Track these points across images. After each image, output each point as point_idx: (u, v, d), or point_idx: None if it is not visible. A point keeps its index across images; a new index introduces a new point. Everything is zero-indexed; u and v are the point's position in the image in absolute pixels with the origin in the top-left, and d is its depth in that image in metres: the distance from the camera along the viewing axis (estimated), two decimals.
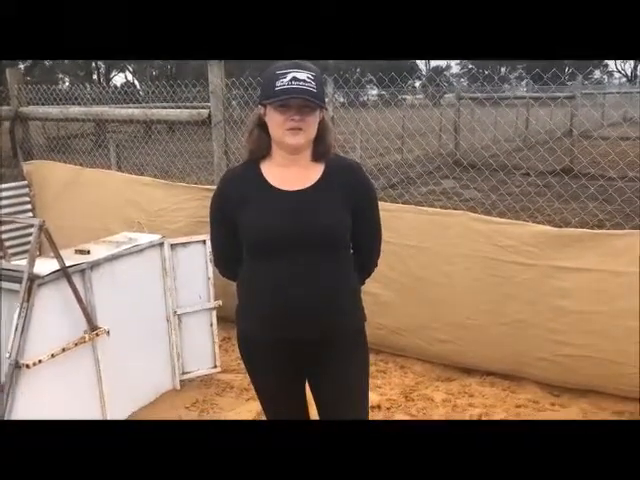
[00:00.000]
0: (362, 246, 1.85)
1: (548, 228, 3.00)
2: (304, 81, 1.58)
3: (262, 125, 1.71)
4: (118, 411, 2.91)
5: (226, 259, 1.88)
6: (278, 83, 1.59)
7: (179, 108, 4.61)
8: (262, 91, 1.66)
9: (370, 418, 2.28)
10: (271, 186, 1.71)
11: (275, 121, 1.64)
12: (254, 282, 1.74)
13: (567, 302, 2.92)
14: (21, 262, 2.52)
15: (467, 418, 2.90)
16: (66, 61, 22.78)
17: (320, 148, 1.73)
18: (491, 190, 3.61)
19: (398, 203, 3.54)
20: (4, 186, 4.91)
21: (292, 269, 1.66)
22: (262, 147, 1.73)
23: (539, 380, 3.15)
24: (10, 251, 2.81)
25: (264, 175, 1.73)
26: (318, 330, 1.71)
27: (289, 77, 1.58)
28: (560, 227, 2.98)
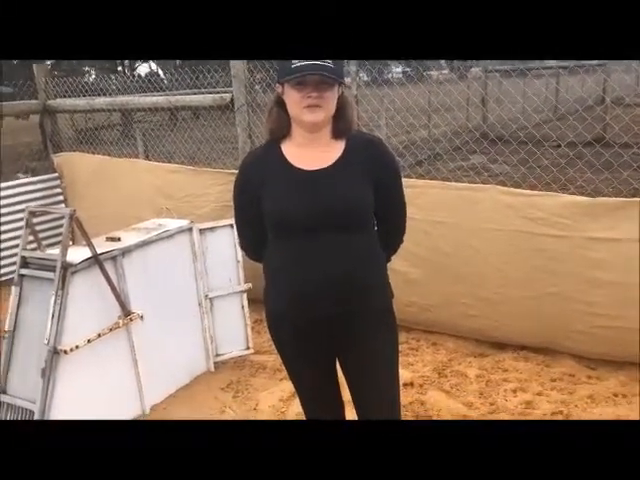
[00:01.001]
0: (386, 222, 1.82)
1: (580, 198, 2.92)
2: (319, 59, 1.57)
3: (281, 104, 1.70)
4: (155, 394, 2.98)
5: (251, 241, 1.88)
6: (295, 61, 1.58)
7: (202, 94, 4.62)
8: (279, 70, 1.66)
9: (403, 395, 2.29)
10: (292, 166, 1.69)
11: (293, 99, 1.62)
12: (279, 263, 1.74)
13: (601, 273, 2.85)
14: (54, 251, 2.58)
15: (501, 393, 2.88)
16: None
17: (340, 125, 1.71)
18: (520, 163, 3.53)
19: (425, 179, 3.50)
20: (36, 179, 5.02)
21: (316, 248, 1.66)
22: (282, 126, 1.72)
23: (575, 353, 3.10)
24: (44, 243, 2.87)
25: (285, 155, 1.72)
26: (345, 308, 1.70)
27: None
28: (593, 197, 2.90)
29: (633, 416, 2.62)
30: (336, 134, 1.72)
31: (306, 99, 1.60)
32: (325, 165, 1.69)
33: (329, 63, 1.59)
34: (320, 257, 1.66)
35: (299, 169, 1.69)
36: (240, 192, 1.81)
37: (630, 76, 13.46)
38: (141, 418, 2.90)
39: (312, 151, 1.70)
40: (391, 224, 1.85)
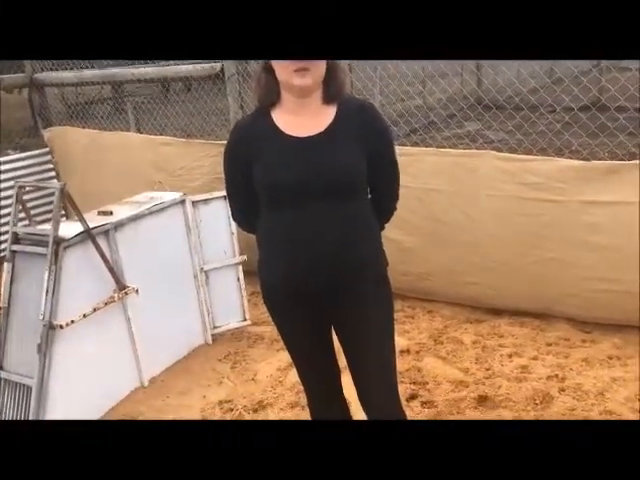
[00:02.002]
0: (379, 189, 1.79)
1: (575, 162, 2.89)
2: None
3: (269, 70, 1.65)
4: (153, 367, 2.99)
5: (244, 212, 1.85)
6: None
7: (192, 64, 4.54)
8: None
9: (399, 362, 2.29)
10: (283, 133, 1.66)
11: (281, 63, 1.58)
12: (272, 233, 1.72)
13: (598, 237, 2.85)
14: (46, 226, 2.56)
15: (497, 359, 2.90)
16: None
17: (331, 89, 1.66)
18: (515, 128, 3.49)
19: (420, 147, 3.46)
20: (26, 154, 4.96)
21: (309, 217, 1.63)
22: (270, 92, 1.67)
23: (570, 317, 3.12)
24: (37, 219, 2.85)
25: (275, 122, 1.67)
26: (339, 278, 1.68)
27: None
28: (588, 161, 2.88)
29: (627, 378, 2.64)
30: (327, 99, 1.67)
31: (294, 63, 1.56)
32: (317, 131, 1.65)
33: None
34: (313, 226, 1.63)
35: (290, 136, 1.65)
36: (230, 161, 1.77)
37: None
38: (139, 390, 2.92)
39: (303, 118, 1.66)
40: (384, 191, 1.82)
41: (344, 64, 1.76)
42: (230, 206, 1.93)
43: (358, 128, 1.67)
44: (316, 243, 1.64)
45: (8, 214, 4.47)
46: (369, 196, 1.80)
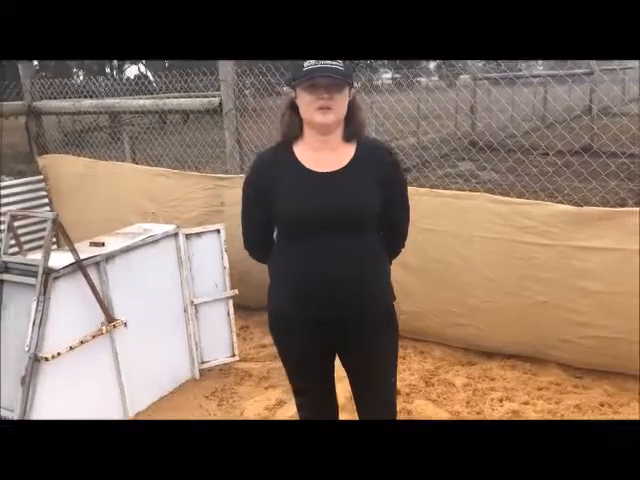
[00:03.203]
0: (391, 227, 1.87)
1: (568, 207, 2.92)
2: (330, 62, 1.63)
3: (294, 108, 1.75)
4: (138, 402, 2.93)
5: (258, 240, 1.90)
6: (306, 64, 1.63)
7: (191, 98, 4.59)
8: (292, 74, 1.71)
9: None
10: (304, 167, 1.73)
11: (305, 101, 1.67)
12: (286, 262, 1.78)
13: (589, 283, 2.85)
14: (36, 256, 2.53)
15: (488, 402, 2.86)
16: None
17: (351, 128, 1.75)
18: (508, 171, 3.53)
19: (413, 186, 3.48)
20: (20, 181, 4.95)
21: (324, 250, 1.70)
22: (294, 129, 1.76)
23: (561, 362, 3.10)
24: (26, 246, 2.82)
25: (297, 157, 1.75)
26: (348, 309, 1.74)
27: (314, 60, 1.64)
28: (580, 206, 2.90)
29: None
30: (347, 137, 1.76)
31: (318, 100, 1.64)
32: (336, 168, 1.73)
33: (339, 65, 1.63)
34: (326, 258, 1.70)
35: (310, 170, 1.73)
36: (250, 190, 1.83)
37: (617, 86, 13.54)
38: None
39: (323, 154, 1.74)
40: (395, 229, 1.91)
41: (360, 99, 1.83)
42: (244, 234, 1.95)
43: (374, 167, 1.76)
44: (328, 274, 1.70)
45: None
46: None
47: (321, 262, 1.70)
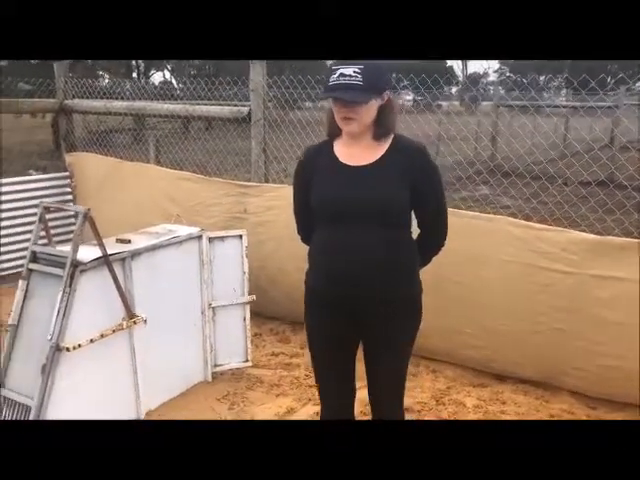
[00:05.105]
0: (425, 226, 2.00)
1: (589, 235, 2.93)
2: (350, 76, 1.73)
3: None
4: (151, 399, 2.96)
5: (302, 224, 2.11)
6: (330, 79, 1.76)
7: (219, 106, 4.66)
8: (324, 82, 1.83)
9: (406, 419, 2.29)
10: (338, 160, 1.90)
11: (334, 111, 1.84)
12: (319, 246, 1.95)
13: (607, 312, 2.85)
14: (65, 248, 2.58)
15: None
16: None
17: (379, 130, 1.86)
18: (532, 196, 3.55)
19: None
20: (46, 176, 5.05)
21: (348, 238, 1.84)
22: (333, 128, 1.91)
23: (575, 390, 3.09)
24: (54, 239, 2.87)
25: (334, 151, 1.92)
26: (370, 292, 1.87)
27: (337, 73, 1.75)
28: (602, 236, 2.91)
29: None
30: (376, 137, 1.88)
31: (340, 112, 1.80)
32: (366, 163, 1.86)
33: (358, 81, 1.72)
34: (353, 245, 1.84)
35: (343, 164, 1.88)
36: (296, 178, 2.04)
37: (634, 125, 13.38)
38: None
39: (357, 149, 1.88)
40: (429, 228, 2.02)
41: (394, 100, 1.91)
42: (296, 221, 2.17)
43: (405, 166, 1.85)
44: (354, 260, 1.84)
45: (21, 232, 4.54)
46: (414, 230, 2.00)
47: (347, 248, 1.84)
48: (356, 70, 1.73)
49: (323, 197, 1.89)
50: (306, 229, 2.06)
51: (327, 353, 2.04)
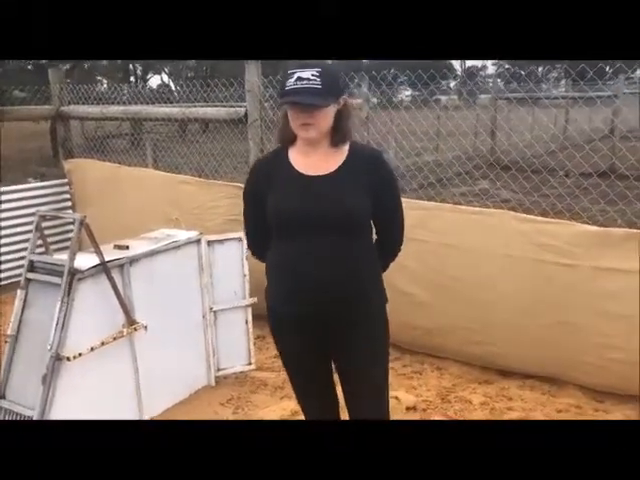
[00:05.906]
0: (383, 231, 1.94)
1: (592, 228, 2.90)
2: (307, 79, 1.67)
3: (287, 117, 1.80)
4: (154, 406, 2.93)
5: (257, 240, 1.98)
6: (287, 83, 1.68)
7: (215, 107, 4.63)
8: (280, 87, 1.76)
9: (406, 419, 2.27)
10: (295, 170, 1.81)
11: (290, 117, 1.75)
12: (278, 262, 1.86)
13: (612, 304, 2.82)
14: (62, 256, 2.56)
15: None
16: (104, 62, 23.26)
17: (336, 136, 1.80)
18: (532, 189, 3.52)
19: (436, 201, 3.48)
20: (45, 183, 5.03)
21: (311, 250, 1.76)
22: (287, 135, 1.83)
23: (581, 384, 3.06)
24: (52, 247, 2.85)
25: (290, 160, 1.83)
26: (336, 309, 1.80)
27: (295, 77, 1.67)
28: (605, 227, 2.88)
29: None
30: (333, 144, 1.81)
31: (298, 119, 1.72)
32: (326, 172, 1.79)
33: (316, 84, 1.66)
34: (315, 259, 1.76)
35: (301, 174, 1.80)
36: (249, 191, 1.93)
37: (634, 115, 13.28)
38: None
39: (314, 158, 1.81)
40: (387, 233, 1.95)
41: (361, 117, 1.89)
42: (246, 234, 2.07)
43: (365, 173, 1.80)
44: (317, 275, 1.76)
45: (19, 241, 4.52)
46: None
47: (307, 262, 1.76)
48: (314, 73, 1.66)
49: (283, 210, 1.78)
50: (261, 245, 1.94)
51: (302, 372, 1.98)
